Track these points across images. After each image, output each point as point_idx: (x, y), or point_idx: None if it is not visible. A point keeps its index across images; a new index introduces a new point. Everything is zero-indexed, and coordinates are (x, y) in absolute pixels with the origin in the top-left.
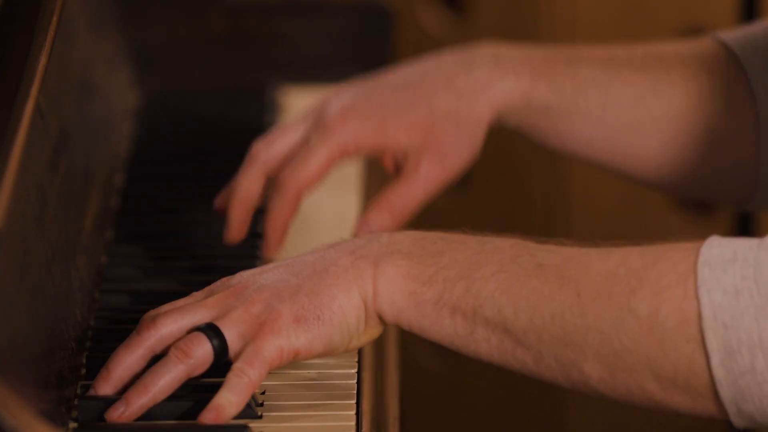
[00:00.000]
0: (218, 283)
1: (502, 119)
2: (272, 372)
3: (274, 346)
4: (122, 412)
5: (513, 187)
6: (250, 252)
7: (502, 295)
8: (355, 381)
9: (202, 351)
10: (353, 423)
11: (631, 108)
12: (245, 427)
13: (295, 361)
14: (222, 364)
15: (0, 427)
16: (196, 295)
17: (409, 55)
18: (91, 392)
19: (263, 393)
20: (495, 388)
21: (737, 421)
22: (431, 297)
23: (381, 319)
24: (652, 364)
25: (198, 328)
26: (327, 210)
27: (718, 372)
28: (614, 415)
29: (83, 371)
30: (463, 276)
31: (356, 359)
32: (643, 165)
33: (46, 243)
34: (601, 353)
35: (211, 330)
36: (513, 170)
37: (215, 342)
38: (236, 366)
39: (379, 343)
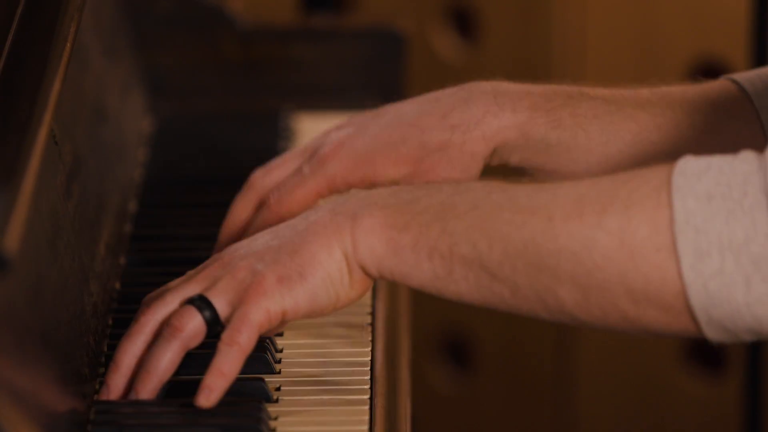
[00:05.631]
0: (210, 258)
1: (503, 157)
2: (283, 395)
3: (261, 309)
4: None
5: None
6: None
7: (476, 230)
8: (368, 407)
9: (194, 323)
10: None
11: (634, 143)
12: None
13: (303, 384)
14: (218, 332)
15: None
16: (190, 273)
17: (422, 81)
18: (104, 390)
19: (279, 358)
20: (506, 411)
21: (709, 331)
22: (408, 242)
23: (365, 272)
24: (623, 279)
25: (188, 301)
26: None
27: (689, 275)
28: None
29: (96, 397)
30: (438, 218)
31: (368, 385)
32: None
33: (59, 269)
34: (575, 275)
35: (201, 301)
36: None
37: (206, 313)
38: (225, 334)
39: (390, 367)
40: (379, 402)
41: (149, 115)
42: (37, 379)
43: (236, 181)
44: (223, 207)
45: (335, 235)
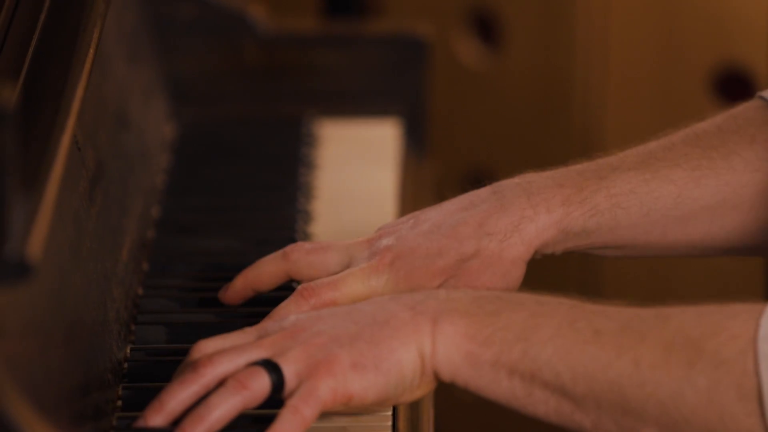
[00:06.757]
0: (270, 323)
1: (545, 252)
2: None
3: (329, 387)
4: None
5: None
6: (286, 284)
7: (560, 361)
8: (391, 413)
9: (260, 384)
10: None
11: (676, 205)
12: None
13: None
14: (275, 399)
15: None
16: (248, 330)
17: (444, 87)
18: (141, 423)
19: None
20: (529, 420)
21: None
22: (489, 358)
23: (436, 376)
24: None
25: (257, 363)
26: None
27: None
28: None
29: (119, 403)
30: (520, 339)
31: None
32: (709, 245)
33: (82, 274)
34: (661, 422)
35: (270, 365)
36: None
37: (273, 377)
38: (291, 403)
39: None
40: (402, 409)
41: (171, 121)
42: (59, 384)
43: (258, 187)
44: (245, 212)
45: (415, 336)
